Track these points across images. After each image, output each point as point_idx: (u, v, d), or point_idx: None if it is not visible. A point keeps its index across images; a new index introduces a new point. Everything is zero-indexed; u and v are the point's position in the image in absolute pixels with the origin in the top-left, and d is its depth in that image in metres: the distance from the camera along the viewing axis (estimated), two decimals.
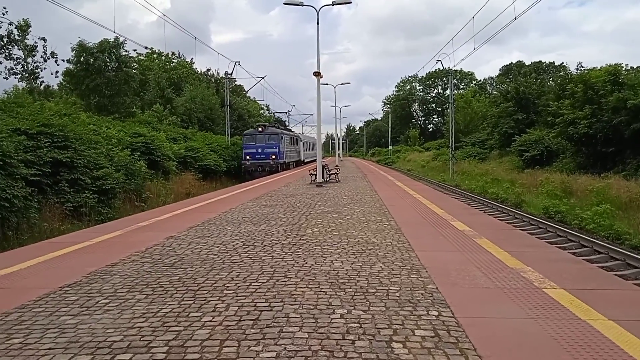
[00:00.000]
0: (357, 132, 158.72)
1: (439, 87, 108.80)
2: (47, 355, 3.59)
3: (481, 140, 53.59)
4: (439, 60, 42.42)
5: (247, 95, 65.50)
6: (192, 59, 63.66)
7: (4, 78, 38.36)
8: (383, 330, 4.01)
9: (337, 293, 5.03)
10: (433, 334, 3.91)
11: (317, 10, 22.13)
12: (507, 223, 14.10)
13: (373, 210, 11.95)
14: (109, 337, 3.92)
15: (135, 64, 43.19)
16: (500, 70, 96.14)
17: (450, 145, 43.90)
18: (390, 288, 5.19)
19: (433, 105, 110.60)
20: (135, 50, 47.22)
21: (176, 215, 11.51)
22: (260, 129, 37.38)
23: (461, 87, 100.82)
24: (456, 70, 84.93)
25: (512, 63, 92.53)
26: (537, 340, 3.77)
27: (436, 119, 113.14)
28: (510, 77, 78.11)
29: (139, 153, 22.53)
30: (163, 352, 3.61)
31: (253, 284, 5.43)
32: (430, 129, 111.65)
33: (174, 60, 58.24)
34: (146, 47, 50.46)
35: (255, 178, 30.07)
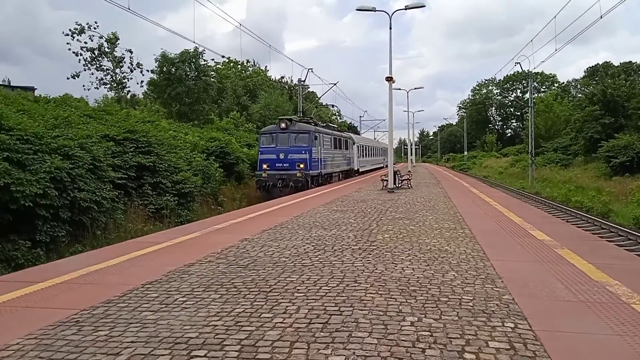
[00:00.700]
0: (431, 137, 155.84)
1: (518, 91, 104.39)
2: (129, 348, 3.80)
3: (564, 146, 50.82)
4: (517, 63, 40.37)
5: (320, 101, 66.23)
6: (266, 66, 65.47)
7: (95, 88, 41.26)
8: (455, 340, 3.90)
9: (408, 300, 4.95)
10: (508, 347, 3.75)
11: (390, 15, 21.97)
12: (592, 233, 13.27)
13: (446, 217, 11.67)
14: (185, 333, 4.09)
15: (213, 72, 45.06)
16: (585, 71, 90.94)
17: (530, 150, 41.99)
18: (463, 297, 5.04)
19: (511, 109, 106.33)
20: (213, 59, 49.29)
21: (250, 219, 11.82)
22: (283, 125, 25.25)
23: (542, 90, 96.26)
24: (536, 73, 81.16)
25: (598, 64, 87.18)
26: (623, 359, 3.51)
27: (514, 124, 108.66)
28: (597, 78, 73.57)
29: (213, 157, 23.43)
30: (235, 351, 3.72)
31: (323, 287, 5.46)
32: (508, 134, 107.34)
33: (249, 68, 60.14)
34: (223, 56, 52.53)
35: (274, 197, 20.23)
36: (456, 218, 11.47)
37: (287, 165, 24.38)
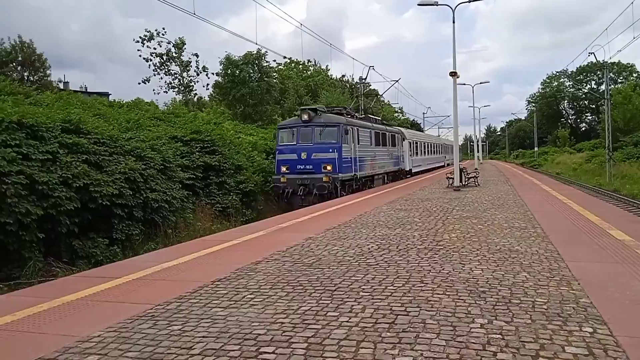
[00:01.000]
0: (498, 133, 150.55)
1: (592, 82, 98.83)
2: (201, 342, 3.93)
3: None
4: (591, 53, 38.14)
5: (382, 98, 65.72)
6: (327, 65, 65.76)
7: (164, 92, 43.11)
8: (528, 344, 3.74)
9: (477, 302, 4.81)
10: (587, 352, 3.56)
11: (453, 8, 21.42)
12: None
13: (517, 216, 11.24)
14: (254, 329, 4.18)
15: (275, 73, 45.78)
16: None
17: (607, 145, 39.63)
18: (537, 300, 4.83)
19: (585, 102, 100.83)
20: (274, 60, 49.96)
21: (313, 218, 11.92)
22: (305, 117, 20.10)
23: (619, 80, 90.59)
24: (612, 63, 76.57)
25: None
26: None
27: (589, 117, 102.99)
28: None
29: (272, 156, 23.81)
30: (303, 349, 3.75)
31: (388, 287, 5.41)
32: (583, 129, 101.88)
33: (310, 68, 60.60)
34: (285, 57, 53.17)
35: (294, 207, 17.00)
36: (527, 217, 11.02)
37: (311, 167, 19.48)
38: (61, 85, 43.62)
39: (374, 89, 66.15)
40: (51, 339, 4.09)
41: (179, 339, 4.03)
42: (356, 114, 26.87)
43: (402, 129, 35.51)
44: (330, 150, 19.48)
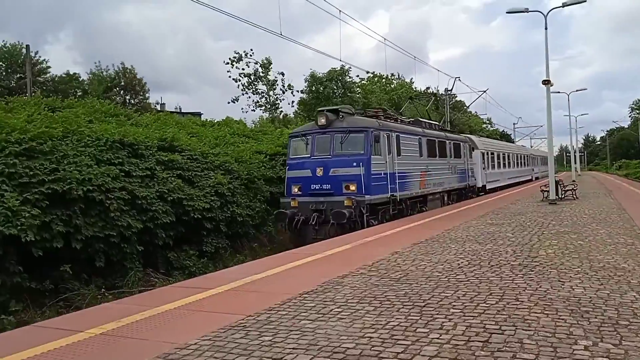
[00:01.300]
0: (598, 142, 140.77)
1: None
2: (292, 354, 3.98)
3: None
4: None
5: (468, 110, 63.89)
6: (411, 79, 64.99)
7: (251, 110, 44.62)
8: None
9: (579, 322, 4.48)
10: None
11: (545, 14, 20.45)
12: None
13: (622, 231, 10.39)
14: (342, 343, 4.17)
15: (358, 88, 46.06)
16: None
17: None
18: None
19: None
20: (357, 75, 50.24)
21: (399, 232, 11.75)
22: (323, 121, 15.24)
23: None
24: None
25: None
26: None
27: None
28: None
29: None
30: None
31: (481, 304, 5.19)
32: None
33: (393, 82, 60.30)
34: (368, 72, 53.28)
35: (308, 241, 12.82)
36: (634, 232, 10.15)
37: (328, 186, 14.47)
38: (158, 107, 46.83)
39: (461, 100, 64.48)
40: (152, 345, 4.33)
41: (269, 349, 4.11)
42: (403, 117, 21.67)
43: (473, 137, 30.26)
44: (355, 164, 14.30)
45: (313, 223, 14.01)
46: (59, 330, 4.87)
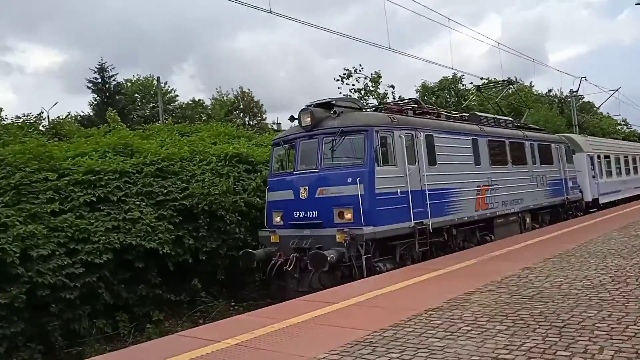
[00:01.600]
0: None
1: None
2: None
3: None
4: None
5: (599, 111, 58.66)
6: (531, 82, 61.31)
7: None
8: None
9: None
10: None
11: None
12: None
13: None
14: None
15: (472, 95, 44.46)
16: None
17: None
18: None
19: None
20: (471, 82, 48.59)
21: (529, 245, 11.05)
22: (308, 119, 10.40)
23: None
24: None
25: None
26: None
27: None
28: None
29: None
30: None
31: (631, 326, 4.68)
32: None
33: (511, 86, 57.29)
34: (482, 78, 51.28)
35: (287, 296, 9.00)
36: None
37: (315, 214, 10.03)
38: (274, 127, 49.03)
39: (589, 102, 59.40)
40: (283, 357, 4.50)
41: None
42: (439, 109, 14.95)
43: (574, 136, 23.84)
44: (350, 180, 9.74)
45: (290, 268, 9.75)
46: (199, 339, 5.26)
